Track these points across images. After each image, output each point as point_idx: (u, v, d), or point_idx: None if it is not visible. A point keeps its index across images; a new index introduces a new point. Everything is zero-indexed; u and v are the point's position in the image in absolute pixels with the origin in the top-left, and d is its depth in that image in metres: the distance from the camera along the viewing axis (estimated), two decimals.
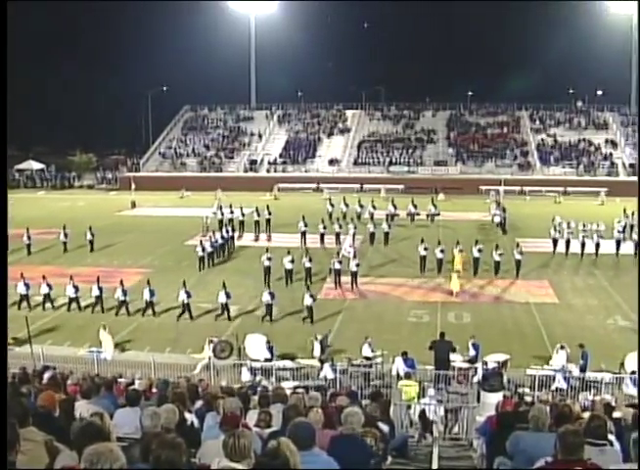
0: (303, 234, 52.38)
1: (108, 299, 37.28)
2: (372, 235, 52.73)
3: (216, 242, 49.11)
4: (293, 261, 42.39)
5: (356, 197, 67.15)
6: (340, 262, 42.30)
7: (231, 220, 56.86)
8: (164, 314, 36.39)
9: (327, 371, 27.23)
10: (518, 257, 44.25)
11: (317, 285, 41.83)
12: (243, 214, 57.83)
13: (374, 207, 59.92)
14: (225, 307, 35.94)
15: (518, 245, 45.67)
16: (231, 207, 58.80)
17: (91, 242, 50.68)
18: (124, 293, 36.70)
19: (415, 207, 62.20)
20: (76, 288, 36.84)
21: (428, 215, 62.19)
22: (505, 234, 56.55)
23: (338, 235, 51.80)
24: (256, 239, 56.21)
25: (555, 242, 51.02)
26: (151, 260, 47.83)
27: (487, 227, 60.19)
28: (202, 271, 45.58)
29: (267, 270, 42.32)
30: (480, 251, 44.73)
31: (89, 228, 50.85)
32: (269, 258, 42.59)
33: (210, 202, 61.25)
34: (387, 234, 53.12)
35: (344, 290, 41.17)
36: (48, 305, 37.04)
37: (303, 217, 53.45)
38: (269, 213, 57.17)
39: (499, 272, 44.52)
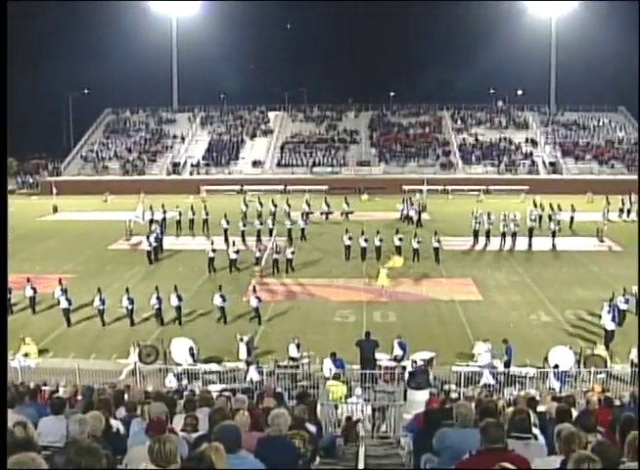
0: (225, 231, 53.73)
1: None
2: (289, 232, 53.73)
3: (158, 237, 50.92)
4: (237, 252, 45.93)
5: (280, 198, 67.29)
6: (277, 252, 45.74)
7: (164, 220, 57.26)
8: (89, 320, 35.90)
9: (253, 374, 27.16)
10: (435, 244, 47.82)
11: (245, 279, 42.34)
12: (180, 213, 58.47)
13: (289, 205, 61.01)
14: (178, 310, 36.09)
15: (436, 233, 48.52)
16: (163, 207, 58.89)
17: None
18: (34, 290, 37.42)
19: (328, 205, 64.09)
20: None
21: (342, 213, 63.47)
22: (420, 227, 57.51)
23: (259, 232, 53.65)
24: (193, 236, 56.84)
25: (475, 234, 53.20)
26: (74, 266, 47.14)
27: (405, 222, 61.13)
28: (152, 265, 47.78)
29: (211, 261, 45.38)
30: (400, 239, 48.15)
31: None
32: (214, 250, 45.70)
33: (134, 205, 60.64)
34: (302, 230, 54.77)
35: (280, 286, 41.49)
36: None
37: (225, 215, 54.90)
38: (207, 214, 57.94)
39: (419, 259, 47.42)
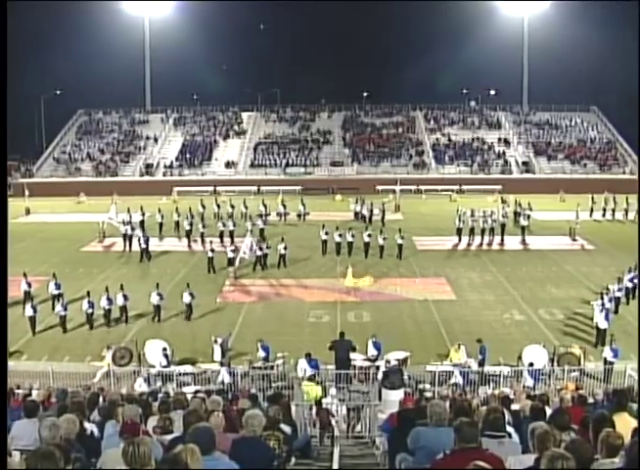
0: (188, 232, 55.00)
1: None
2: (250, 233, 53.26)
3: (148, 237, 51.54)
4: (235, 251, 46.84)
5: (254, 198, 67.31)
6: (268, 247, 47.46)
7: (142, 222, 56.57)
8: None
9: (224, 375, 27.14)
10: (400, 241, 49.07)
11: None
12: (162, 216, 57.78)
13: (246, 207, 61.61)
14: (157, 309, 36.49)
15: (400, 230, 49.79)
16: (142, 209, 58.18)
17: None
18: (29, 285, 38.27)
19: (285, 207, 64.09)
20: None
21: (298, 215, 63.52)
22: (384, 225, 56.85)
23: (221, 233, 54.25)
24: (179, 239, 56.41)
25: (459, 231, 54.20)
26: (47, 268, 46.65)
27: (360, 221, 60.96)
28: (145, 261, 49.42)
29: (210, 261, 46.02)
30: (369, 236, 49.79)
31: None
32: (212, 250, 46.53)
33: (107, 207, 60.23)
34: (262, 230, 54.71)
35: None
36: None
37: (187, 217, 55.68)
38: (192, 216, 57.27)
39: (383, 255, 48.94)
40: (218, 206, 62.23)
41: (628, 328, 33.22)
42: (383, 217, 59.98)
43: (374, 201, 63.91)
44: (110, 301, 35.65)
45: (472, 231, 54.18)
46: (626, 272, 38.51)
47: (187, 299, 36.43)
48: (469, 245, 53.58)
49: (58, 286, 38.05)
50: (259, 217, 56.97)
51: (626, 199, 63.13)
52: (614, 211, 63.51)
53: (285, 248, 47.21)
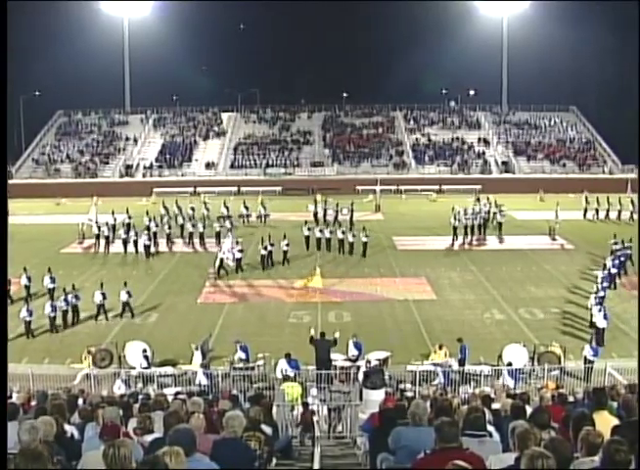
0: (155, 234, 54.06)
1: None
2: (217, 234, 53.61)
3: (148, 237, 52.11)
4: (242, 251, 47.12)
5: (234, 199, 67.22)
6: (272, 244, 47.43)
7: (129, 224, 55.43)
8: (40, 325, 35.53)
9: (200, 377, 27.08)
10: (364, 239, 50.12)
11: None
12: (150, 220, 55.53)
13: (207, 209, 61.46)
14: (127, 306, 36.95)
15: (364, 229, 50.74)
16: (127, 211, 57.30)
17: None
18: (29, 279, 39.48)
19: (247, 208, 63.67)
20: None
21: (258, 217, 63.29)
22: (352, 224, 57.39)
23: (191, 235, 54.98)
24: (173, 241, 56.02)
25: (455, 230, 54.53)
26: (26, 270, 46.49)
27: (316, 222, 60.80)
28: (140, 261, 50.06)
29: (221, 262, 45.46)
30: (343, 233, 51.46)
31: None
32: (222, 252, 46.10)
33: (86, 208, 59.84)
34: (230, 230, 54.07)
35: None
36: None
37: (153, 218, 54.93)
38: (183, 219, 57.53)
39: (352, 253, 50.12)
40: (179, 208, 61.14)
41: (610, 327, 33.36)
42: (351, 217, 60.02)
43: (340, 201, 63.91)
44: (67, 302, 35.64)
45: (465, 229, 54.76)
46: (600, 271, 39.09)
47: (124, 297, 36.63)
48: (463, 243, 54.02)
49: (53, 280, 38.87)
50: (224, 219, 56.80)
51: (619, 199, 63.08)
52: (608, 211, 62.76)
53: (287, 245, 47.84)
